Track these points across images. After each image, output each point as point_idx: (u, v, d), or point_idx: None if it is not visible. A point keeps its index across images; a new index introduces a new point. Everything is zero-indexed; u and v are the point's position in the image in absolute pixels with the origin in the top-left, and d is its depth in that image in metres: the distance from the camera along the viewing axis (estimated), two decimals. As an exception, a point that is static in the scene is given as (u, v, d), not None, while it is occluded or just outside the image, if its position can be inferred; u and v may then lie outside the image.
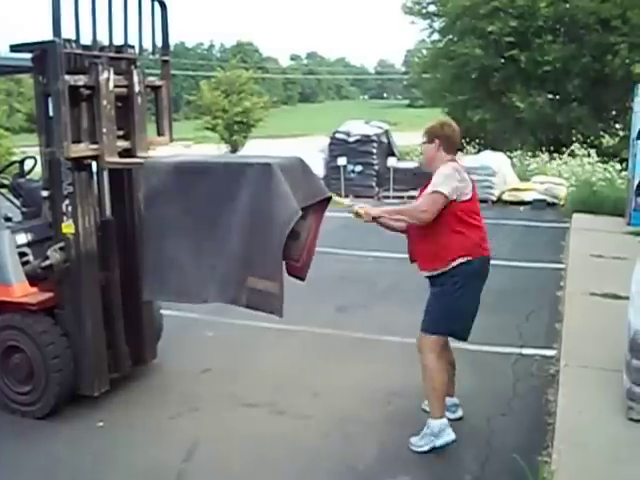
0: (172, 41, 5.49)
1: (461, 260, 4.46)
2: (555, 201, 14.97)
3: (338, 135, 17.58)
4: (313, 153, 16.23)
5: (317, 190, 4.78)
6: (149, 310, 5.77)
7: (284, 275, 4.42)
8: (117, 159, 4.99)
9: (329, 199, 4.81)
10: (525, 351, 6.28)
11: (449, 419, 4.93)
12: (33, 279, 5.15)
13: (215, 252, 4.49)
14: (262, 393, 5.59)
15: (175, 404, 5.37)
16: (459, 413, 5.03)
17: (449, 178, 4.43)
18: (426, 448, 4.56)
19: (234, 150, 29.69)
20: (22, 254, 5.21)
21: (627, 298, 5.22)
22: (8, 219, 5.62)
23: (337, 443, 4.78)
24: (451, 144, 4.67)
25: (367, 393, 5.54)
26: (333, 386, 5.70)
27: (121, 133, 5.11)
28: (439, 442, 4.57)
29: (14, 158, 5.96)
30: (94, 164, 5.08)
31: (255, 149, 18.81)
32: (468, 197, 4.49)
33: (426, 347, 4.60)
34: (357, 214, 4.72)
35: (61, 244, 4.99)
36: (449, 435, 4.59)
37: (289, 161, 4.55)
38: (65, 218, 4.98)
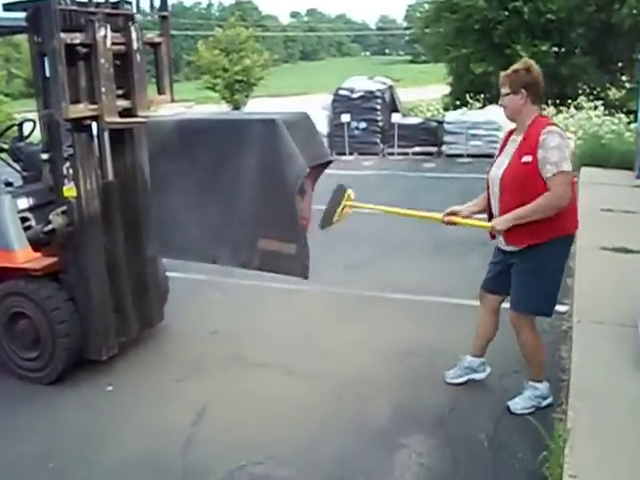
0: (170, 0, 5.32)
1: (558, 235, 4.18)
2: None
3: (341, 92, 17.38)
4: (316, 111, 16.03)
5: (320, 152, 4.66)
6: (155, 272, 5.69)
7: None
8: (117, 119, 4.87)
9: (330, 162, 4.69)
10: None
11: (475, 380, 4.91)
12: (36, 244, 5.06)
13: (222, 212, 4.39)
14: (272, 354, 5.53)
15: (184, 367, 5.32)
16: (488, 370, 4.91)
17: (564, 149, 4.05)
18: (532, 410, 4.44)
19: (236, 109, 29.44)
20: (24, 219, 5.11)
21: (639, 252, 5.12)
22: (9, 184, 5.52)
23: (349, 403, 4.73)
24: (538, 92, 4.22)
25: (379, 352, 5.48)
26: (344, 345, 5.64)
27: (121, 92, 4.97)
28: (545, 403, 4.50)
29: (14, 123, 5.86)
30: (94, 125, 4.97)
31: (257, 108, 18.64)
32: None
33: (524, 327, 4.43)
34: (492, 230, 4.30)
35: (63, 208, 4.90)
36: (551, 397, 4.52)
37: (294, 117, 4.42)
38: (66, 181, 4.88)
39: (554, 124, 4.25)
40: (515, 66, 4.25)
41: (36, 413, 4.73)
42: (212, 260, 4.57)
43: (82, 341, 5.09)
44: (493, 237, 4.47)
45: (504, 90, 4.24)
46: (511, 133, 4.43)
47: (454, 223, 4.51)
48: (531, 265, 4.26)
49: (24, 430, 4.53)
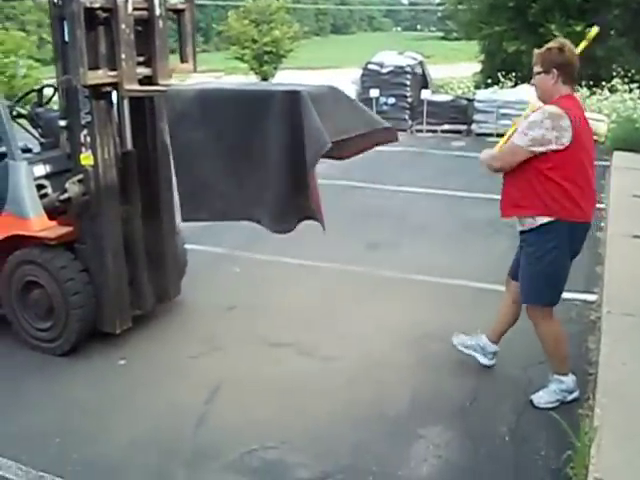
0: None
1: (545, 220, 4.05)
2: (595, 138, 14.36)
3: (371, 66, 17.09)
4: (345, 84, 15.77)
5: (367, 120, 4.49)
6: (172, 245, 5.56)
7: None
8: (137, 87, 4.71)
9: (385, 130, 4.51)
10: (564, 295, 5.96)
11: (485, 365, 4.77)
12: (52, 213, 4.94)
13: (256, 179, 4.26)
14: (289, 332, 5.39)
15: (198, 343, 5.20)
16: (493, 361, 4.80)
17: (534, 127, 3.93)
18: (556, 404, 4.28)
19: (264, 80, 29.19)
20: (40, 186, 4.99)
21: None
22: (27, 150, 5.40)
23: (366, 387, 4.58)
24: (570, 73, 4.07)
25: (398, 335, 5.32)
26: (362, 327, 5.49)
27: (141, 59, 4.79)
28: (570, 397, 4.33)
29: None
30: (114, 94, 4.82)
31: (286, 80, 18.43)
32: (562, 147, 3.90)
33: (538, 318, 4.30)
34: None
35: (80, 176, 4.77)
36: (577, 391, 4.36)
37: (321, 90, 4.25)
38: (83, 149, 4.74)
39: (572, 99, 4.12)
40: (549, 45, 4.10)
41: (46, 385, 4.64)
42: (257, 220, 4.43)
43: (96, 313, 4.98)
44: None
45: (536, 69, 4.11)
46: None
47: None
48: (531, 250, 4.17)
49: (33, 402, 4.44)
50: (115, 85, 4.67)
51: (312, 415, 4.26)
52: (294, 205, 4.21)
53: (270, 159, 4.14)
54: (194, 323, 5.58)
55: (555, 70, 4.01)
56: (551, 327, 4.31)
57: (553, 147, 3.91)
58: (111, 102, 4.83)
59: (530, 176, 4.03)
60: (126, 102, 5.03)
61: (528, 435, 4.02)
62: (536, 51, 4.16)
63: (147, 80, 4.85)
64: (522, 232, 4.25)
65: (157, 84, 4.78)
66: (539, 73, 4.08)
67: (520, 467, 3.73)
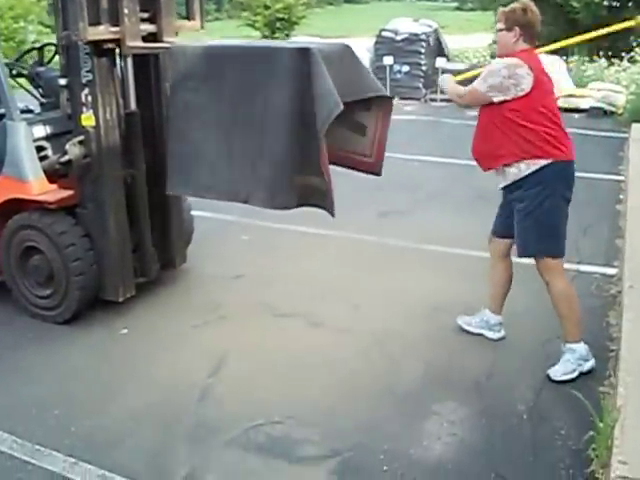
0: None
1: (531, 169, 4.01)
2: (613, 109, 14.10)
3: (385, 33, 16.73)
4: (358, 52, 15.44)
5: (369, 85, 4.29)
6: (178, 211, 5.37)
7: (331, 171, 4.00)
8: (141, 44, 4.48)
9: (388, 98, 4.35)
10: (583, 268, 5.78)
11: (492, 339, 4.62)
12: (52, 176, 4.75)
13: (252, 147, 4.06)
14: (297, 303, 5.21)
15: (204, 312, 5.02)
16: (502, 333, 4.64)
17: (492, 75, 4.02)
18: (574, 375, 4.12)
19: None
20: (40, 148, 4.80)
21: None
22: (28, 111, 5.19)
23: (377, 361, 4.40)
24: (532, 33, 4.11)
25: (410, 307, 5.13)
26: (374, 298, 5.30)
27: (146, 16, 4.57)
28: (587, 366, 4.16)
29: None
30: (117, 52, 4.60)
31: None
32: (523, 93, 3.94)
33: (552, 273, 4.13)
34: None
35: (80, 137, 4.56)
36: (592, 360, 4.20)
37: (333, 48, 4.04)
38: (84, 109, 4.53)
39: (530, 53, 4.12)
40: (513, 5, 4.15)
41: (45, 354, 4.47)
42: (243, 200, 4.25)
43: (98, 280, 4.81)
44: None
45: (499, 25, 4.19)
46: None
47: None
48: (523, 205, 4.10)
49: (31, 372, 4.27)
50: (117, 42, 4.44)
51: (320, 389, 4.08)
52: (295, 180, 4.00)
53: (272, 125, 3.94)
54: (200, 292, 5.40)
55: (518, 29, 4.07)
56: (563, 285, 4.16)
57: (512, 94, 3.97)
58: (114, 60, 4.62)
59: (501, 125, 4.06)
60: (129, 60, 4.81)
61: (547, 413, 3.82)
62: (500, 9, 4.24)
63: (151, 38, 4.64)
64: (506, 188, 4.21)
65: (162, 41, 4.56)
66: (501, 30, 4.15)
67: (538, 447, 3.54)
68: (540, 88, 4.00)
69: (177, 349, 4.53)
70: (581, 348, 4.16)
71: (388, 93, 14.75)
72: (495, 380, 4.17)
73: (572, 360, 4.15)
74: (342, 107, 3.74)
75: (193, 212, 5.84)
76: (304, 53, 3.78)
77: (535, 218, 4.05)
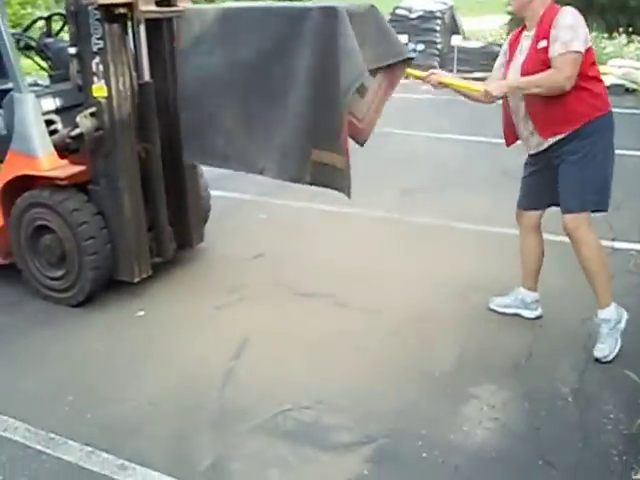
0: None
1: (591, 117, 3.74)
2: (634, 87, 13.77)
3: (399, 11, 16.40)
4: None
5: (393, 49, 4.02)
6: (195, 188, 5.13)
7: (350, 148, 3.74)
8: (154, 7, 4.23)
9: (407, 60, 4.07)
10: (618, 245, 5.51)
11: (529, 318, 4.37)
12: (63, 150, 4.51)
13: (270, 118, 3.82)
14: (321, 282, 4.96)
15: (223, 293, 4.78)
16: (539, 311, 4.39)
17: (578, 28, 3.61)
18: (619, 344, 3.91)
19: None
20: (49, 122, 4.57)
21: None
22: (34, 84, 4.95)
23: (409, 343, 4.15)
24: None
25: (440, 286, 4.87)
26: (401, 277, 5.04)
27: (159, -21, 4.33)
28: (623, 323, 3.96)
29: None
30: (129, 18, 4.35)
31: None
32: (590, 43, 3.70)
33: (582, 229, 3.84)
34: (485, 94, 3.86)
35: (92, 109, 4.31)
36: (624, 312, 3.99)
37: (360, 9, 3.77)
38: (96, 79, 4.28)
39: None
40: None
41: (59, 338, 4.24)
42: (259, 171, 4.03)
43: (112, 260, 4.57)
44: (508, 144, 4.18)
45: None
46: (519, 33, 3.97)
47: (442, 83, 4.07)
48: (576, 157, 3.80)
49: (44, 356, 4.04)
50: (130, 6, 4.18)
51: (351, 372, 3.83)
52: (310, 153, 3.75)
53: (291, 92, 3.70)
54: (218, 272, 5.16)
55: None
56: (595, 240, 3.88)
57: (589, 44, 3.68)
58: (126, 27, 4.35)
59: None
60: (143, 28, 4.55)
61: (593, 396, 3.57)
62: None
63: (165, 3, 4.39)
64: (555, 144, 3.85)
65: (176, 5, 4.31)
66: None
67: (587, 432, 3.28)
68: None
69: (197, 331, 4.29)
70: (612, 312, 3.93)
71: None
72: (535, 361, 3.92)
73: (610, 331, 3.92)
74: (367, 75, 3.49)
75: (210, 191, 5.60)
76: (331, 13, 3.53)
77: (586, 169, 3.78)
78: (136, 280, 4.64)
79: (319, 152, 3.77)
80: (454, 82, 4.11)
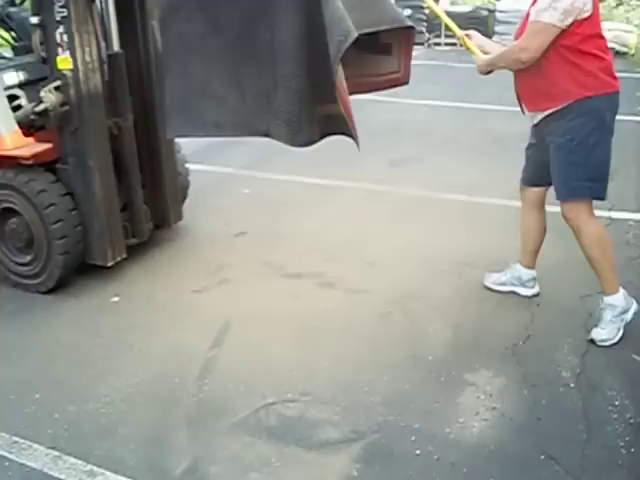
0: None
1: (578, 98, 3.43)
2: (624, 50, 13.57)
3: (385, -25, 15.99)
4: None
5: (387, 16, 3.74)
6: (172, 163, 4.86)
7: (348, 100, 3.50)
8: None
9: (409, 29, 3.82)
10: (615, 215, 5.28)
11: (527, 296, 4.15)
12: (28, 128, 4.23)
13: (266, 79, 3.55)
14: (307, 261, 4.71)
15: (204, 275, 4.53)
16: (536, 289, 4.17)
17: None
18: (620, 334, 3.65)
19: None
20: (13, 97, 4.28)
21: None
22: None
23: (400, 325, 3.92)
24: None
25: (432, 262, 4.64)
26: (391, 254, 4.80)
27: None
28: (630, 315, 3.71)
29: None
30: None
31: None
32: (588, 14, 3.32)
33: (580, 219, 3.61)
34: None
35: (57, 83, 4.02)
36: (634, 303, 3.74)
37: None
38: (60, 50, 3.99)
39: None
40: None
41: (27, 328, 3.97)
42: (264, 132, 3.74)
43: (83, 243, 4.31)
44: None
45: None
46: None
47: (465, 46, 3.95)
48: (565, 139, 3.53)
49: (11, 349, 3.78)
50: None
51: (338, 359, 3.59)
52: (316, 111, 3.53)
53: (282, 54, 3.43)
54: (198, 252, 4.89)
55: None
56: (596, 228, 3.66)
57: (584, 15, 3.32)
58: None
59: (555, 57, 3.42)
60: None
61: (596, 381, 3.35)
62: None
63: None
64: (544, 119, 3.61)
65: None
66: None
67: (592, 422, 3.06)
68: (597, 9, 3.40)
69: (175, 318, 4.04)
70: (620, 299, 3.69)
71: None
72: (533, 343, 3.69)
73: (613, 318, 3.67)
74: (354, 37, 3.21)
75: (188, 165, 5.33)
76: None
77: (584, 153, 3.50)
78: (110, 264, 4.38)
79: (321, 107, 3.55)
80: (471, 46, 3.89)
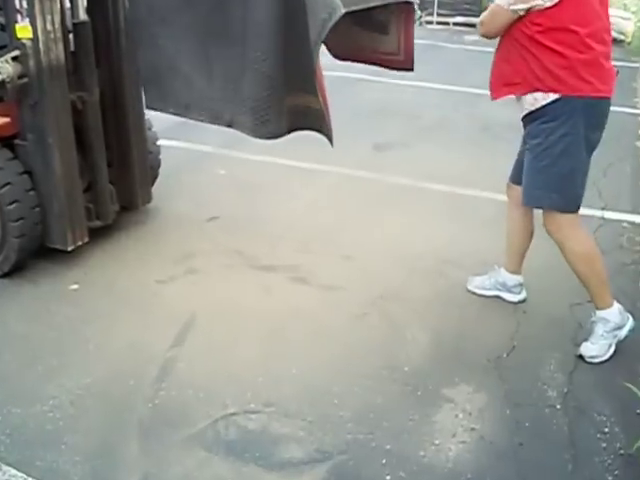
0: None
1: (549, 99, 3.18)
2: (621, 37, 13.30)
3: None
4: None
5: None
6: (141, 141, 4.57)
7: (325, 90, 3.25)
8: None
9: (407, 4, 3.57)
10: (608, 215, 5.05)
11: (512, 302, 3.91)
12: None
13: (233, 64, 3.27)
14: (280, 252, 4.45)
15: (170, 263, 4.25)
16: (523, 294, 3.93)
17: None
18: (611, 352, 3.40)
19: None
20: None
21: None
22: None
23: (376, 329, 3.66)
24: None
25: (413, 259, 4.38)
26: (370, 247, 4.54)
27: None
28: (624, 332, 3.45)
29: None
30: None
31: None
32: (551, 3, 3.03)
33: (562, 229, 3.37)
34: None
35: (15, 53, 3.70)
36: (630, 319, 3.48)
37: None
38: (19, 17, 3.67)
39: None
40: None
41: (-25, 317, 3.70)
42: (227, 123, 3.49)
43: (42, 226, 4.02)
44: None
45: None
46: None
47: None
48: (535, 142, 3.30)
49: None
50: None
51: (307, 366, 3.32)
52: (286, 101, 3.26)
53: (254, 35, 3.15)
54: (166, 237, 4.61)
55: None
56: (581, 244, 3.39)
57: (545, 4, 3.06)
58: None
59: (519, 45, 3.22)
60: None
61: (584, 403, 3.10)
62: None
63: None
64: (523, 119, 3.40)
65: None
66: None
67: (578, 450, 2.82)
68: (580, 3, 3.08)
69: (136, 311, 3.77)
70: (614, 313, 3.44)
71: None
72: (518, 356, 3.45)
73: (605, 334, 3.41)
74: (340, 14, 2.93)
75: (163, 141, 5.04)
76: None
77: (551, 160, 3.24)
78: (70, 248, 4.09)
79: (293, 97, 3.28)
80: None
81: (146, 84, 3.72)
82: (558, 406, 3.08)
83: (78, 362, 3.32)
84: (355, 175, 5.74)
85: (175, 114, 3.85)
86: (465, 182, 5.57)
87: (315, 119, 3.29)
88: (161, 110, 3.88)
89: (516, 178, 3.65)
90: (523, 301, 3.90)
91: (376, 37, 3.68)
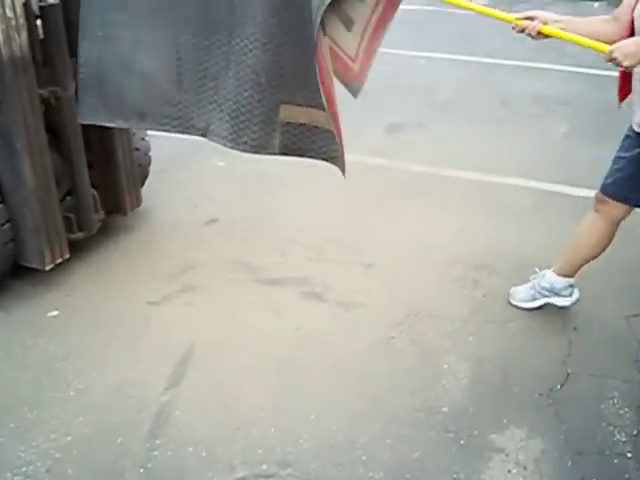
0: None
1: None
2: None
3: None
4: None
5: None
6: (127, 138, 4.01)
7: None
8: None
9: None
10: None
11: (564, 306, 3.43)
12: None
13: (211, 60, 2.70)
14: (289, 261, 3.92)
15: (163, 280, 3.71)
16: (575, 295, 3.41)
17: None
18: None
19: None
20: None
21: None
22: None
23: (405, 357, 3.13)
24: None
25: (440, 265, 3.85)
26: (393, 251, 4.01)
27: None
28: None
29: None
30: None
31: None
32: None
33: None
34: None
35: (-28, 41, 3.15)
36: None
37: None
38: (-24, 1, 3.11)
39: None
40: None
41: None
42: (200, 132, 2.91)
43: (13, 244, 3.48)
44: (622, 99, 2.98)
45: None
46: None
47: (543, 33, 2.80)
48: None
49: None
50: None
51: (326, 409, 2.79)
52: (282, 112, 2.69)
53: (240, 25, 2.58)
54: (159, 247, 4.07)
55: None
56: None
57: None
58: None
59: None
60: None
61: (661, 449, 2.60)
62: None
63: None
64: None
65: None
66: None
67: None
68: None
69: (124, 343, 3.23)
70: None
71: None
72: (573, 386, 2.93)
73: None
74: None
75: (151, 133, 4.46)
76: None
77: None
78: (48, 267, 3.55)
79: (290, 108, 2.69)
80: (567, 35, 2.74)
81: (82, 90, 3.04)
82: (629, 454, 2.57)
83: (56, 414, 2.80)
84: (369, 163, 5.16)
85: (123, 125, 3.26)
86: (492, 167, 5.00)
87: (321, 142, 2.73)
88: (102, 122, 3.23)
89: (615, 193, 3.05)
90: (576, 302, 3.36)
91: (340, 30, 2.96)
